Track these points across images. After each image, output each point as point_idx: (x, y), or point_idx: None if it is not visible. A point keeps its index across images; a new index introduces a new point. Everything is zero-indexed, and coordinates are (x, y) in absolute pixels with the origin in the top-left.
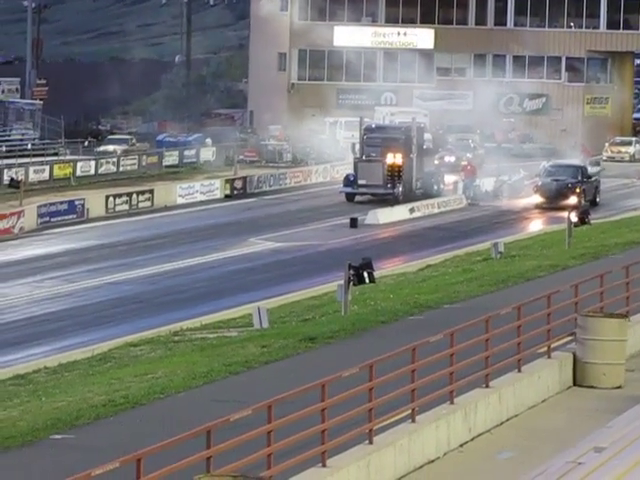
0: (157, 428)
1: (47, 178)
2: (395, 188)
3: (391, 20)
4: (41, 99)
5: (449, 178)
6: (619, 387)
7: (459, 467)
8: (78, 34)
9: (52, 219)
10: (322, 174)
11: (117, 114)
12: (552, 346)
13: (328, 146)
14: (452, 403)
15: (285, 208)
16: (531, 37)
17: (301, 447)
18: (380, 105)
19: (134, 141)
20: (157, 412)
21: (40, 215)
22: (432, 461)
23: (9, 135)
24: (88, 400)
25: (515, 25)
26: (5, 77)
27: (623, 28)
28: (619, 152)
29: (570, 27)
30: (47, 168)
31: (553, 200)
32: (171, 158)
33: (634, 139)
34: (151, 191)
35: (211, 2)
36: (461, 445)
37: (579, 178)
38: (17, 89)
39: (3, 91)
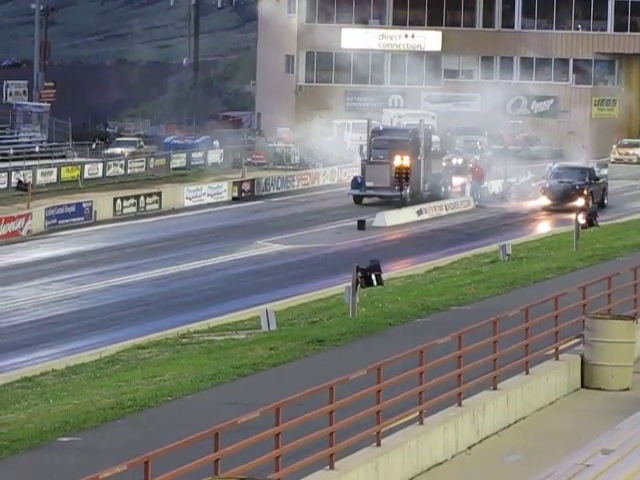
0: (165, 431)
1: (55, 180)
2: (403, 190)
3: (398, 22)
4: (49, 101)
5: (457, 180)
6: (627, 389)
7: (467, 469)
8: (86, 36)
9: (60, 221)
10: (330, 176)
11: (124, 117)
12: (560, 348)
13: (336, 148)
14: (460, 405)
15: (293, 210)
16: (538, 39)
17: (309, 449)
18: (388, 107)
19: (142, 143)
20: (165, 415)
21: (48, 217)
22: (440, 463)
23: (17, 138)
24: (96, 403)
25: (522, 27)
26: (13, 80)
27: (630, 30)
28: (627, 154)
29: (577, 29)
30: (55, 170)
31: (561, 202)
32: (179, 160)
33: None
34: (159, 193)
35: (218, 4)
36: (469, 447)
37: (587, 180)
38: (25, 92)
39: (11, 94)
